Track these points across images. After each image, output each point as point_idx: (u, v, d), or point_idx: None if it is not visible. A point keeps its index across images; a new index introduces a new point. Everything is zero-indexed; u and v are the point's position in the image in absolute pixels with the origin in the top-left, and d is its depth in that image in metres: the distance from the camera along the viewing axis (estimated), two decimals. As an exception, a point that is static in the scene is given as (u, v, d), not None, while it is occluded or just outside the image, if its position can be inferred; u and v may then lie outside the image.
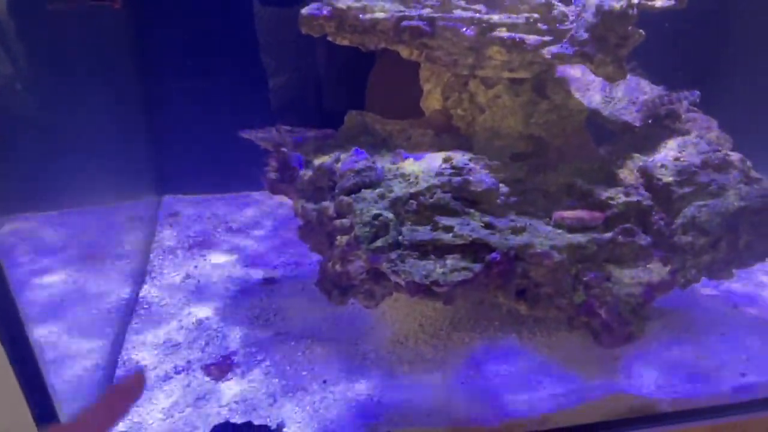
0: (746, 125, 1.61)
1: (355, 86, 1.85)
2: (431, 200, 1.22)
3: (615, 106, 1.67)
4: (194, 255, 1.80)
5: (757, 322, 1.48)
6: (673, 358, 1.36)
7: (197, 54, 1.94)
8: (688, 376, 1.31)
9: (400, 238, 1.19)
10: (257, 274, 1.71)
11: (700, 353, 1.37)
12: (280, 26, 1.89)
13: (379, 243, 1.17)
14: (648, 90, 1.68)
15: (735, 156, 1.40)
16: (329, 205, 1.28)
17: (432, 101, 1.54)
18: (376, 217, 1.20)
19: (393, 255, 1.16)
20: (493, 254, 1.16)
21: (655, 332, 1.41)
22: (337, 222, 1.24)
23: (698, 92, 1.61)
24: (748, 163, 1.40)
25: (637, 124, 1.59)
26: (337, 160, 1.34)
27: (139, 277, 1.67)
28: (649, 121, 1.59)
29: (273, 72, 1.97)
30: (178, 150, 2.01)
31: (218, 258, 1.79)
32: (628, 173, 1.41)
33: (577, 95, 1.54)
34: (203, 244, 1.86)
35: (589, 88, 1.70)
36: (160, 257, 1.79)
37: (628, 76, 1.75)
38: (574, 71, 1.67)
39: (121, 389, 0.48)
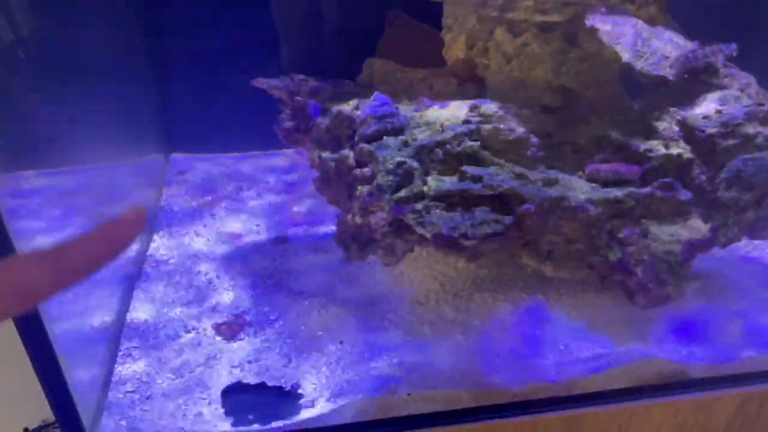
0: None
1: (366, 51, 1.78)
2: (458, 149, 1.14)
3: (647, 60, 1.58)
4: (203, 214, 1.73)
5: (795, 287, 1.42)
6: (707, 323, 1.29)
7: (206, 10, 1.85)
8: (721, 342, 1.25)
9: (425, 188, 1.11)
10: (268, 233, 1.64)
11: (733, 318, 1.31)
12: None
13: (402, 193, 1.09)
14: (682, 44, 1.59)
15: (780, 110, 1.31)
16: (348, 154, 1.20)
17: (455, 50, 1.45)
18: (399, 165, 1.11)
19: (419, 206, 1.08)
20: (526, 205, 1.08)
21: (689, 295, 1.34)
22: (358, 171, 1.16)
23: (735, 45, 1.52)
24: (794, 118, 1.31)
25: (672, 78, 1.50)
26: (357, 108, 1.26)
27: (147, 236, 1.61)
28: (685, 76, 1.50)
29: (284, 35, 1.89)
30: (187, 108, 1.94)
31: (228, 217, 1.72)
32: (665, 126, 1.33)
33: (609, 45, 1.44)
34: (212, 202, 1.79)
35: (619, 41, 1.61)
36: (169, 216, 1.72)
37: (661, 29, 1.65)
38: (604, 23, 1.57)
39: (118, 224, 0.38)
